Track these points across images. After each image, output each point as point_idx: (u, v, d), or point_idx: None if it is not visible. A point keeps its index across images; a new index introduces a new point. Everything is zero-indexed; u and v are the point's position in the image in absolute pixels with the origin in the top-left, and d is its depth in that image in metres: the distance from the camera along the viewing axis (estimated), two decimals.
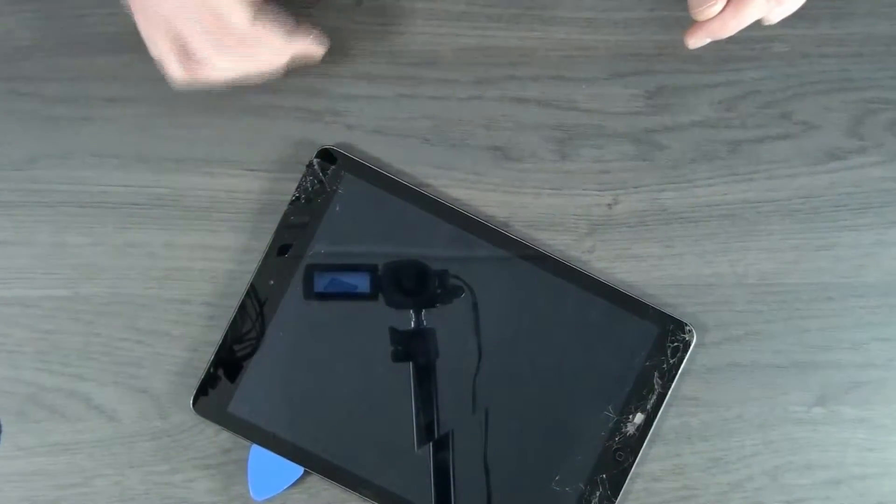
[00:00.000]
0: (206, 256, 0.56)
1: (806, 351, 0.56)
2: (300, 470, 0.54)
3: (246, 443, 0.54)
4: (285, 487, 0.54)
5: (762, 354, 0.56)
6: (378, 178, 0.55)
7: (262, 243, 0.55)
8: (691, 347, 0.54)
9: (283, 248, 0.55)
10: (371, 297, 0.55)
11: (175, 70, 0.52)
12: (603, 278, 0.55)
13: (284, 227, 0.55)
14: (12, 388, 0.55)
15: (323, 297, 0.55)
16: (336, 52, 0.56)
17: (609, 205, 0.56)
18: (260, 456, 0.54)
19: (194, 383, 0.55)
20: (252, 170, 0.56)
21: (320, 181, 0.55)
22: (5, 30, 0.56)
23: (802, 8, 0.56)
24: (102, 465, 0.55)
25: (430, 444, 0.54)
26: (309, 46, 0.53)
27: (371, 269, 0.55)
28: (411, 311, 0.55)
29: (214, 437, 0.55)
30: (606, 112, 0.56)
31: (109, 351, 0.55)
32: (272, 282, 0.54)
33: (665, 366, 0.54)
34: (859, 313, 0.56)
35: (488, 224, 0.55)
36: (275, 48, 0.52)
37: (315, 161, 0.55)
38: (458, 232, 0.55)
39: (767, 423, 0.55)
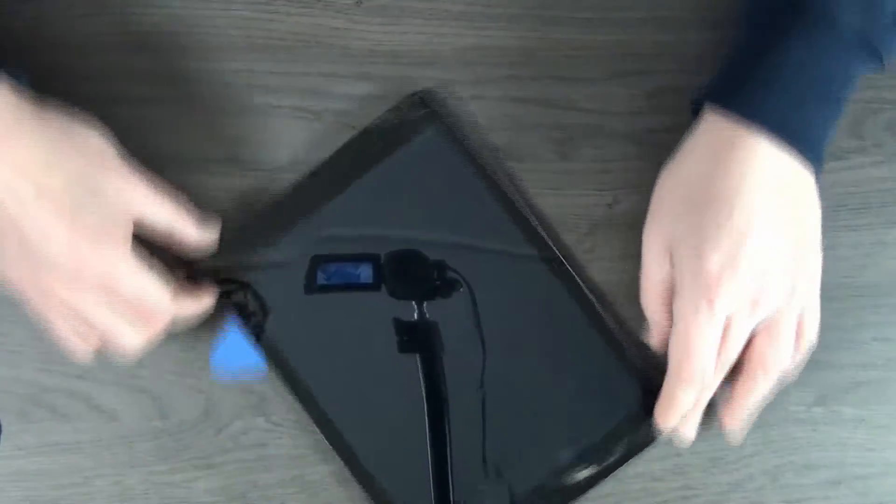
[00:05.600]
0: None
1: None
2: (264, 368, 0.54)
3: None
4: (242, 373, 0.55)
5: None
6: (458, 142, 0.55)
7: None
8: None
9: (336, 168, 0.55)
10: (372, 287, 0.54)
11: (82, 350, 0.52)
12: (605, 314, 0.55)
13: (345, 151, 0.55)
14: (12, 388, 0.55)
15: (325, 289, 0.55)
16: (336, 53, 0.56)
17: (609, 205, 0.56)
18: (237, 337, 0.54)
19: (194, 383, 0.55)
20: (252, 170, 0.56)
21: (400, 121, 0.54)
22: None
23: None
24: (102, 465, 0.55)
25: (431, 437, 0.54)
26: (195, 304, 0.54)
27: (373, 259, 0.54)
28: (413, 303, 0.54)
29: (215, 437, 0.55)
30: (606, 112, 0.56)
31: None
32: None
33: None
34: (859, 313, 0.56)
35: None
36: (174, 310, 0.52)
37: (408, 100, 0.55)
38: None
39: (767, 423, 0.55)
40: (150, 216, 0.51)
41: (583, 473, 0.54)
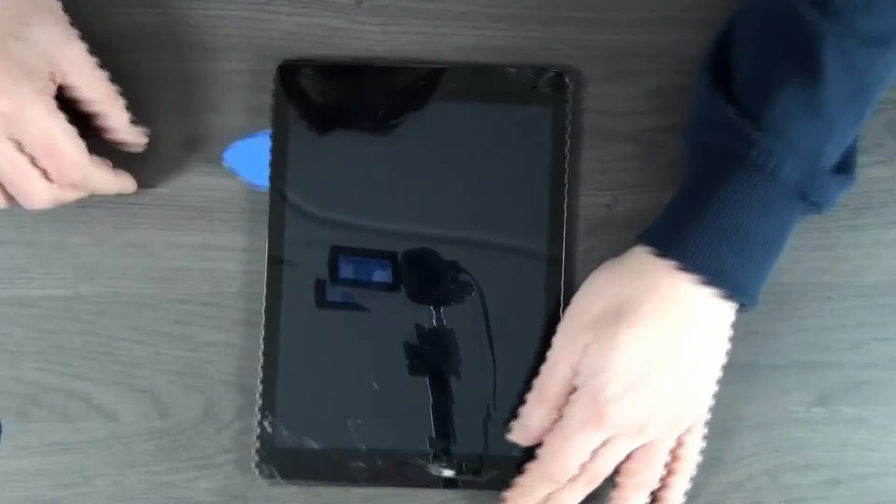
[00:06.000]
0: (206, 256, 0.56)
1: (806, 351, 0.56)
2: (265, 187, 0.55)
3: None
4: (244, 177, 0.55)
5: (762, 354, 0.56)
6: (558, 134, 0.55)
7: (263, 243, 0.55)
8: None
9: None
10: (385, 287, 0.54)
11: None
12: None
13: (459, 70, 0.55)
14: (12, 388, 0.55)
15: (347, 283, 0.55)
16: (336, 53, 0.56)
17: (609, 205, 0.56)
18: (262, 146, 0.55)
19: (194, 383, 0.55)
20: None
21: (528, 82, 0.55)
22: None
23: None
24: (102, 464, 0.55)
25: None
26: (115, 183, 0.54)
27: (390, 258, 0.54)
28: (431, 308, 0.54)
29: (215, 437, 0.55)
30: (606, 112, 0.56)
31: (109, 351, 0.55)
32: None
33: None
34: (859, 313, 0.56)
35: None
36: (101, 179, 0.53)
37: (548, 71, 0.55)
38: None
39: (767, 423, 0.55)
40: (75, 82, 0.51)
41: (438, 469, 0.54)
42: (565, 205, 0.55)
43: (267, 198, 0.55)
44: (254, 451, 0.54)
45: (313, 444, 0.54)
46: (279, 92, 0.55)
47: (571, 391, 0.51)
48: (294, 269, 0.54)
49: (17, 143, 0.49)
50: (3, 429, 0.55)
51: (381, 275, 0.54)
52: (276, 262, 0.54)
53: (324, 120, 0.55)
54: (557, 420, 0.52)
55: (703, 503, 0.55)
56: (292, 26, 0.57)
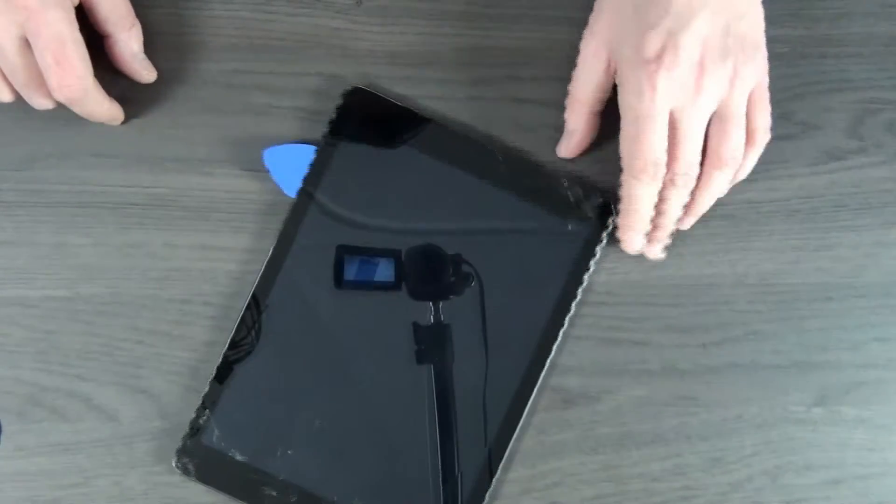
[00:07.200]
0: (206, 256, 0.56)
1: (806, 351, 0.56)
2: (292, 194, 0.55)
3: None
4: (277, 180, 0.55)
5: (762, 354, 0.56)
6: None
7: (263, 244, 0.55)
8: None
9: None
10: (390, 286, 0.54)
11: None
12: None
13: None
14: (12, 388, 0.55)
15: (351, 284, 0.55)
16: (336, 53, 0.57)
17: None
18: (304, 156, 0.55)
19: (194, 383, 0.55)
20: (252, 170, 0.56)
21: (578, 204, 0.55)
22: None
23: (801, 8, 0.57)
24: (102, 465, 0.55)
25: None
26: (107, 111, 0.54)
27: (392, 254, 0.54)
28: (430, 304, 0.54)
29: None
30: (606, 112, 0.56)
31: (109, 351, 0.55)
32: None
33: None
34: (859, 313, 0.56)
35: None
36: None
37: (598, 198, 0.55)
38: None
39: (767, 423, 0.56)
40: None
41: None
42: (562, 330, 0.54)
43: (269, 198, 0.55)
44: (179, 441, 0.54)
45: (238, 455, 0.54)
46: (342, 113, 0.55)
47: (605, 92, 0.53)
48: (291, 275, 0.54)
49: (29, 35, 0.50)
50: (3, 429, 0.55)
51: (384, 275, 0.54)
52: (274, 264, 0.54)
53: (371, 153, 0.55)
54: (594, 125, 0.54)
55: (703, 503, 0.55)
56: (292, 26, 0.57)
